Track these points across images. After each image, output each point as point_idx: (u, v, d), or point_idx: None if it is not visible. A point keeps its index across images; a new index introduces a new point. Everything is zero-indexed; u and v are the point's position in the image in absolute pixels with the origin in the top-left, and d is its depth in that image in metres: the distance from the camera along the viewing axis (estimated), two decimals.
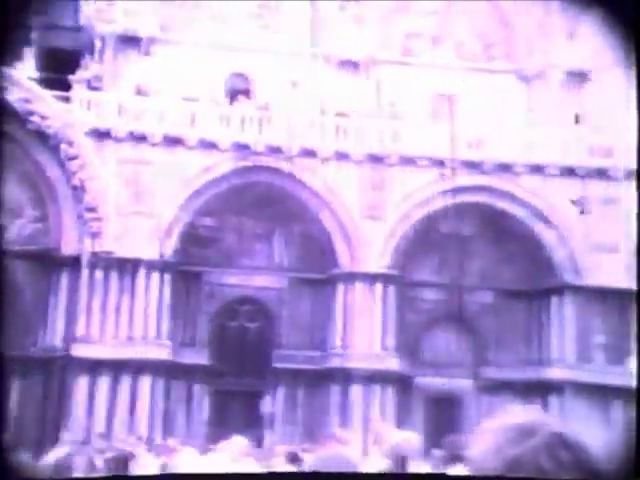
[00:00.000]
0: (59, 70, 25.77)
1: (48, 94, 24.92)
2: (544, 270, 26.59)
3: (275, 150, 25.82)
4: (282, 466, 9.97)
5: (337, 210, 25.99)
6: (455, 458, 7.36)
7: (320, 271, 26.41)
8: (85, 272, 24.37)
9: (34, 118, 24.44)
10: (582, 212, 25.89)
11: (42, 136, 24.60)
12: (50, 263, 24.61)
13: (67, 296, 24.37)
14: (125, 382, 23.99)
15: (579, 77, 28.39)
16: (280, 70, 27.69)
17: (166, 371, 24.64)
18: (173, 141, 25.39)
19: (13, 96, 24.05)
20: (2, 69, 21.20)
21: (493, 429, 1.82)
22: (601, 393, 25.01)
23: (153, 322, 24.61)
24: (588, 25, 27.72)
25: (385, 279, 25.81)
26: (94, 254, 24.34)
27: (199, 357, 25.76)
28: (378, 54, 28.51)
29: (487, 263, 27.41)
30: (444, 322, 27.48)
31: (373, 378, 25.01)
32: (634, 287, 25.91)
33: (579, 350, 25.71)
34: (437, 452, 10.81)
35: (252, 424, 24.97)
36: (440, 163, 26.20)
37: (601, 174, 26.34)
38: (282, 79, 27.48)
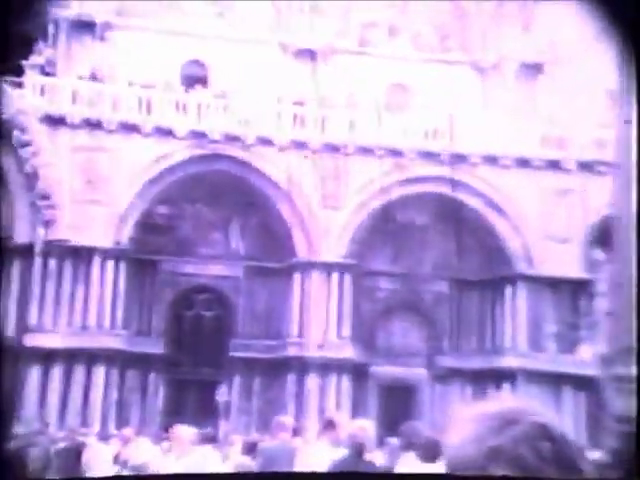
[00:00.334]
0: (11, 55, 25.30)
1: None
2: (498, 260, 26.93)
3: (232, 138, 25.72)
4: (238, 456, 10.00)
5: (294, 199, 25.98)
6: (409, 446, 7.45)
7: (277, 260, 26.42)
8: (38, 261, 24.06)
9: None
10: None
11: None
12: (2, 251, 24.23)
13: (19, 285, 24.04)
14: (79, 372, 23.78)
15: (533, 69, 28.73)
16: (237, 58, 27.55)
17: (121, 360, 24.49)
18: (129, 128, 25.14)
19: None
20: None
21: (473, 417, 1.79)
22: (552, 381, 25.47)
23: (108, 311, 24.43)
24: (542, 17, 28.09)
25: (342, 268, 25.92)
26: (47, 242, 24.04)
27: (154, 346, 25.63)
28: (335, 44, 28.52)
29: (442, 253, 27.68)
30: (400, 311, 27.71)
31: (329, 367, 25.14)
32: (585, 276, 26.45)
33: (531, 339, 26.13)
34: (392, 440, 10.94)
35: (207, 413, 24.94)
36: (396, 153, 26.33)
37: (554, 165, 26.72)
38: (239, 67, 27.35)
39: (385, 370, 26.97)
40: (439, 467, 7.05)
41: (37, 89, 24.94)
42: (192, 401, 26.07)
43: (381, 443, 11.53)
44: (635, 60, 7.89)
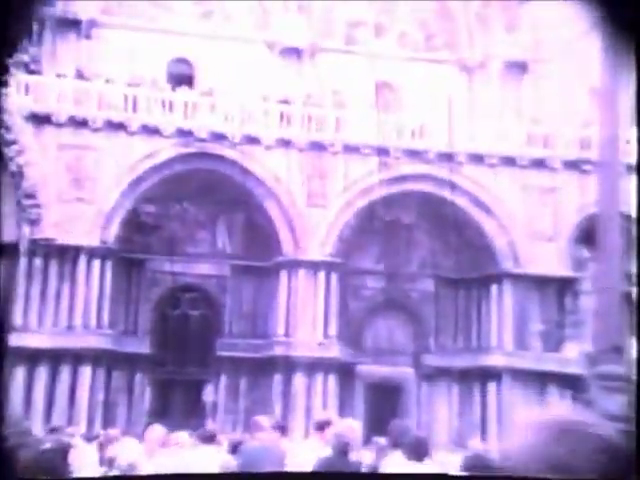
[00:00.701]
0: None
1: None
2: (484, 258, 27.01)
3: (218, 137, 25.67)
4: (223, 455, 9.97)
5: (281, 197, 25.96)
6: (397, 444, 7.47)
7: (263, 259, 26.40)
8: (23, 260, 23.94)
9: None
10: None
11: None
12: None
13: (4, 284, 23.89)
14: (65, 372, 23.67)
15: (518, 68, 28.83)
16: (223, 56, 27.51)
17: (107, 360, 24.40)
18: (115, 126, 25.05)
19: None
20: None
21: (531, 424, 1.78)
22: (538, 379, 25.59)
23: (94, 310, 24.33)
24: (527, 17, 28.20)
25: (328, 267, 25.93)
26: (33, 241, 23.92)
27: (141, 346, 25.57)
28: (321, 42, 28.53)
29: (428, 251, 27.76)
30: (386, 310, 27.77)
31: (315, 366, 25.15)
32: (570, 275, 26.57)
33: (517, 337, 26.22)
34: (378, 439, 10.96)
35: (194, 413, 24.91)
36: (383, 151, 26.36)
37: (540, 164, 26.82)
38: (225, 65, 27.31)
39: (372, 369, 27.01)
40: (426, 466, 7.07)
41: (22, 87, 24.80)
42: (178, 401, 26.02)
43: (368, 442, 11.55)
44: (635, 60, 7.92)
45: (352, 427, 7.09)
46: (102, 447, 13.05)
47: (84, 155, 24.71)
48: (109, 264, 24.87)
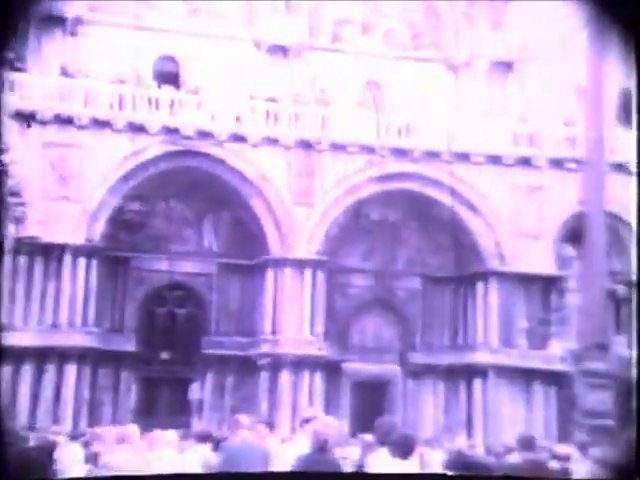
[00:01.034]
0: None
1: None
2: (470, 257, 27.11)
3: (205, 135, 25.63)
4: (206, 452, 9.98)
5: (267, 196, 25.96)
6: (384, 442, 7.50)
7: (250, 257, 26.41)
8: (8, 258, 23.80)
9: None
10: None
11: None
12: None
13: None
14: (50, 370, 23.59)
15: (504, 67, 28.92)
16: (210, 54, 27.45)
17: (92, 358, 24.34)
18: (101, 124, 24.97)
19: None
20: None
21: None
22: (523, 376, 25.74)
23: (79, 309, 24.26)
24: (513, 16, 28.29)
25: (314, 265, 25.95)
26: (18, 239, 23.79)
27: (126, 344, 25.52)
28: (308, 40, 28.51)
29: (415, 250, 27.83)
30: (372, 308, 27.82)
31: (302, 364, 25.18)
32: (556, 273, 26.70)
33: (503, 335, 26.33)
34: (365, 436, 10.98)
35: (180, 411, 24.89)
36: (369, 150, 26.39)
37: (525, 162, 26.92)
38: (212, 63, 27.26)
39: (358, 367, 27.07)
40: (411, 463, 7.09)
41: (7, 85, 24.63)
42: (164, 399, 25.99)
43: (354, 439, 11.59)
44: (635, 60, 7.96)
45: (330, 424, 7.12)
46: (87, 445, 13.01)
47: (69, 153, 24.61)
48: (95, 262, 24.79)
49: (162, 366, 26.17)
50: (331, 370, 25.99)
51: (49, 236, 24.06)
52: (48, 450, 13.73)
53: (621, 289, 26.22)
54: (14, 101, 24.34)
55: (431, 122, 27.10)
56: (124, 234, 25.98)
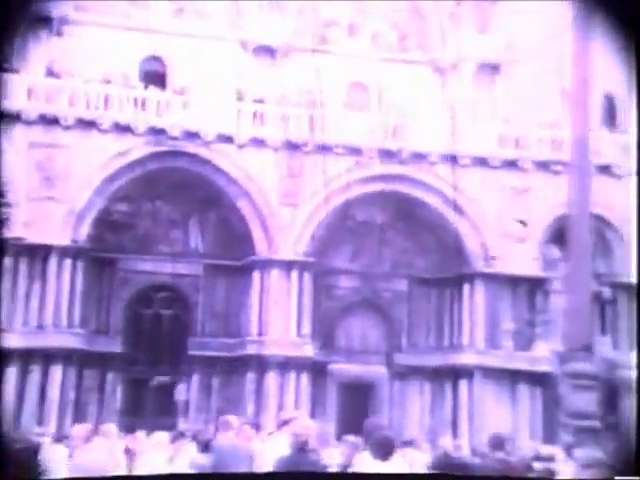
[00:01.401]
0: None
1: None
2: (456, 258, 27.16)
3: (192, 135, 25.59)
4: (193, 453, 9.96)
5: (254, 197, 25.94)
6: (370, 442, 7.50)
7: (236, 258, 26.37)
8: None
9: None
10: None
11: None
12: None
13: None
14: (35, 371, 23.47)
15: (491, 69, 29.02)
16: (196, 54, 27.39)
17: (78, 360, 24.24)
18: (86, 124, 24.88)
19: None
20: None
21: None
22: (509, 377, 25.84)
23: (64, 310, 24.15)
24: (499, 18, 28.40)
25: (301, 266, 25.94)
26: (3, 240, 23.66)
27: (112, 345, 25.43)
28: (295, 41, 28.51)
29: (401, 251, 27.87)
30: (359, 309, 27.85)
31: (288, 365, 25.18)
32: (541, 274, 26.81)
33: (489, 336, 26.41)
34: (349, 438, 10.97)
35: (166, 412, 24.82)
36: (357, 151, 26.42)
37: (512, 165, 27.02)
38: (199, 64, 27.20)
39: (344, 368, 27.09)
40: (394, 464, 7.10)
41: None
42: (150, 400, 25.91)
43: (339, 440, 11.57)
44: (635, 61, 7.98)
45: (310, 425, 7.14)
46: (72, 447, 12.96)
47: (55, 153, 24.51)
48: (80, 263, 24.70)
49: (148, 367, 26.08)
50: (317, 371, 25.99)
51: (34, 237, 23.95)
52: (33, 451, 13.65)
53: (606, 291, 26.36)
54: None
55: (418, 124, 27.15)
56: (110, 235, 25.90)
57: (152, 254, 26.53)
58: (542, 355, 24.64)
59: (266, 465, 7.32)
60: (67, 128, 24.68)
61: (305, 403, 24.91)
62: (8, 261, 23.81)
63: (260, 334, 25.54)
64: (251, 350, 25.46)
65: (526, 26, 27.27)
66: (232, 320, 26.38)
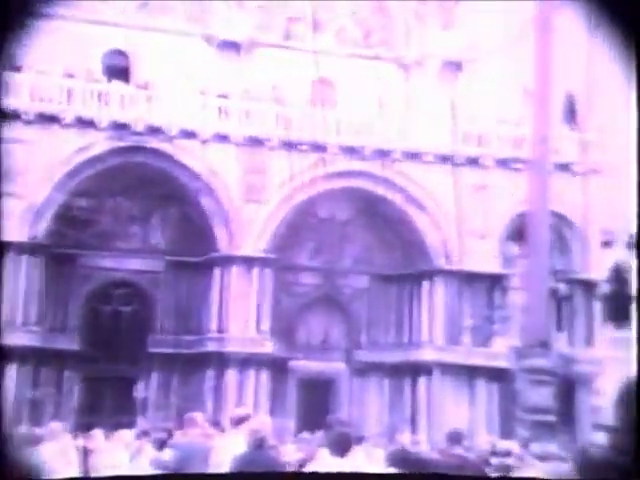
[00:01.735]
0: None
1: None
2: (417, 255, 27.32)
3: (155, 130, 25.41)
4: (150, 452, 9.93)
5: (217, 192, 25.83)
6: (328, 438, 7.52)
7: (197, 254, 26.22)
8: None
9: None
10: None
11: None
12: None
13: None
14: None
15: (454, 67, 29.22)
16: (160, 49, 27.20)
17: (34, 358, 23.93)
18: (48, 119, 24.58)
19: None
20: None
21: None
22: (467, 373, 26.08)
23: (20, 307, 23.82)
24: (463, 15, 28.60)
25: (262, 263, 25.90)
26: None
27: (70, 343, 25.16)
28: (259, 37, 28.44)
29: (363, 248, 27.96)
30: (320, 306, 27.88)
31: (248, 362, 25.13)
32: (500, 271, 27.07)
33: (448, 332, 26.61)
34: (308, 434, 11.02)
35: (124, 410, 24.63)
36: (320, 148, 26.43)
37: (473, 162, 27.23)
38: (162, 58, 27.01)
39: (304, 364, 27.12)
40: (353, 460, 7.14)
41: None
42: (109, 398, 25.70)
43: (297, 437, 11.62)
44: (635, 58, 8.05)
45: (265, 422, 7.16)
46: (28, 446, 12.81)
47: (14, 148, 24.13)
48: (38, 259, 24.37)
49: (106, 365, 25.85)
50: (277, 368, 25.98)
51: None
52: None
53: (563, 287, 26.72)
54: None
55: (382, 120, 27.25)
56: (70, 231, 25.61)
57: (112, 250, 26.30)
58: (500, 351, 24.89)
59: (224, 463, 7.31)
60: (28, 123, 24.37)
61: (265, 400, 24.90)
62: None
63: (220, 331, 25.45)
64: (211, 347, 25.36)
65: (489, 24, 27.50)
66: (192, 317, 26.25)
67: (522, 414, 12.82)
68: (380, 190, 26.95)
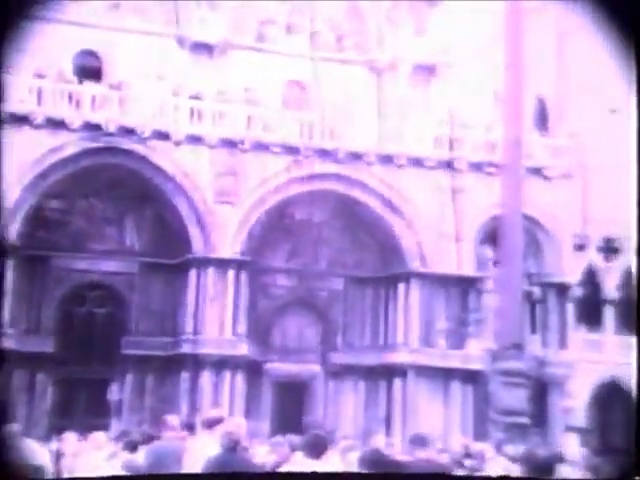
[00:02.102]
0: None
1: None
2: (392, 258, 27.43)
3: (127, 131, 25.29)
4: (124, 455, 9.86)
5: (190, 194, 25.77)
6: (303, 440, 7.53)
7: (172, 256, 26.14)
8: None
9: None
10: None
11: None
12: None
13: None
14: None
15: (427, 71, 29.39)
16: (133, 50, 27.09)
17: (7, 360, 23.68)
18: (19, 120, 24.34)
19: None
20: None
21: None
22: (442, 375, 26.22)
23: None
24: (435, 20, 28.78)
25: (238, 265, 25.87)
26: None
27: (44, 345, 24.94)
28: (232, 39, 28.42)
29: (338, 250, 28.00)
30: (295, 308, 27.89)
31: (223, 364, 25.09)
32: (475, 274, 27.26)
33: (423, 335, 26.73)
34: (282, 437, 10.99)
35: (98, 412, 24.47)
36: (294, 150, 26.46)
37: (447, 166, 27.38)
38: (135, 59, 26.90)
39: (280, 367, 27.12)
40: (328, 463, 7.14)
41: None
42: (82, 400, 25.52)
43: (271, 439, 11.59)
44: (635, 58, 8.11)
45: (239, 424, 7.16)
46: None
47: None
48: (11, 262, 24.12)
49: (80, 367, 25.66)
50: (253, 370, 25.96)
51: None
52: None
53: (536, 290, 26.96)
54: None
55: (355, 124, 27.33)
56: (43, 233, 25.41)
57: (86, 252, 26.12)
58: (474, 353, 25.06)
59: (197, 465, 7.29)
60: None
61: (240, 402, 24.86)
62: None
63: (195, 333, 25.39)
64: (186, 349, 25.29)
65: (462, 29, 27.70)
66: (167, 319, 26.15)
67: (496, 416, 12.92)
68: (355, 193, 27.04)
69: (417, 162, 27.14)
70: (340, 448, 10.05)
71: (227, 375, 25.11)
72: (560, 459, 7.15)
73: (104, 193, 26.00)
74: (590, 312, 28.37)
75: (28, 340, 24.59)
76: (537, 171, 26.73)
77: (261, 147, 26.21)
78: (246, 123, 26.35)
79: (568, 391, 26.86)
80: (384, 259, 27.65)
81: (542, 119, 29.80)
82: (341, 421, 26.24)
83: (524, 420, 12.68)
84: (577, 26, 27.57)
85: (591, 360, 27.06)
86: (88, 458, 10.14)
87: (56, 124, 24.69)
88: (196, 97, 26.44)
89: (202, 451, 7.47)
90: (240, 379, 25.40)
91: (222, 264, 25.71)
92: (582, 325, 28.26)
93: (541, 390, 24.28)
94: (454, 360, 26.18)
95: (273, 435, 14.80)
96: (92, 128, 25.02)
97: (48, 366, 25.06)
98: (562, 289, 27.66)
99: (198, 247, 25.78)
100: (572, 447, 24.60)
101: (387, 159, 27.01)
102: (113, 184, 25.72)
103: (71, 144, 24.92)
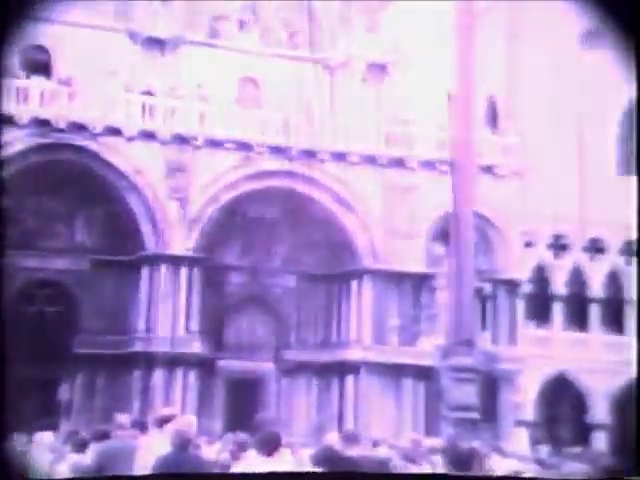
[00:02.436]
0: None
1: None
2: (345, 255, 27.54)
3: (78, 127, 25.00)
4: (72, 455, 9.74)
5: (143, 191, 25.56)
6: (255, 438, 7.53)
7: (124, 253, 25.90)
8: None
9: None
10: None
11: None
12: None
13: None
14: None
15: (379, 69, 29.55)
16: (83, 44, 26.75)
17: None
18: None
19: None
20: None
21: None
22: (394, 372, 26.41)
23: None
24: (388, 19, 28.97)
25: (190, 262, 25.74)
26: None
27: None
28: (185, 34, 28.24)
29: (291, 247, 28.02)
30: (248, 305, 27.86)
31: (175, 362, 24.96)
32: (427, 271, 27.50)
33: (375, 332, 26.89)
34: (234, 435, 10.97)
35: (47, 412, 24.12)
36: (246, 147, 26.39)
37: (398, 163, 27.56)
38: (85, 54, 26.57)
39: (232, 364, 27.07)
40: (280, 460, 7.16)
41: None
42: (31, 400, 25.13)
43: (222, 437, 11.57)
44: (635, 58, 8.19)
45: (191, 422, 7.13)
46: None
47: None
48: None
49: (29, 366, 25.26)
50: (205, 368, 25.86)
51: None
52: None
53: (487, 287, 27.31)
54: None
55: (308, 121, 27.35)
56: None
57: (36, 249, 25.74)
58: (426, 350, 25.26)
59: (148, 464, 7.24)
60: None
61: (192, 400, 24.75)
62: None
63: (148, 331, 25.22)
64: (138, 347, 25.10)
65: (414, 28, 27.91)
66: (119, 317, 25.90)
67: (447, 412, 13.04)
68: (307, 190, 27.06)
69: (370, 160, 27.27)
70: (293, 446, 10.08)
71: (179, 373, 24.99)
72: (477, 455, 7.24)
73: (55, 190, 25.66)
74: (539, 308, 28.83)
75: None
76: (488, 169, 27.05)
77: (214, 144, 26.10)
78: (199, 119, 26.20)
79: (518, 386, 27.26)
80: (337, 256, 27.73)
81: (493, 117, 30.18)
82: (294, 418, 26.28)
83: (474, 415, 12.81)
84: (528, 26, 27.97)
85: (540, 355, 27.51)
86: (34, 459, 10.00)
87: (4, 120, 24.24)
88: (148, 93, 26.23)
89: (153, 450, 7.42)
90: (193, 377, 25.29)
91: (175, 261, 25.57)
92: (531, 321, 28.71)
93: (491, 385, 24.61)
94: (406, 357, 26.38)
95: (226, 433, 14.77)
96: (41, 124, 24.65)
97: None
98: (512, 285, 28.06)
99: (150, 244, 25.59)
100: (522, 441, 25.00)
101: (340, 156, 27.10)
102: (63, 181, 25.39)
103: (20, 140, 24.53)
